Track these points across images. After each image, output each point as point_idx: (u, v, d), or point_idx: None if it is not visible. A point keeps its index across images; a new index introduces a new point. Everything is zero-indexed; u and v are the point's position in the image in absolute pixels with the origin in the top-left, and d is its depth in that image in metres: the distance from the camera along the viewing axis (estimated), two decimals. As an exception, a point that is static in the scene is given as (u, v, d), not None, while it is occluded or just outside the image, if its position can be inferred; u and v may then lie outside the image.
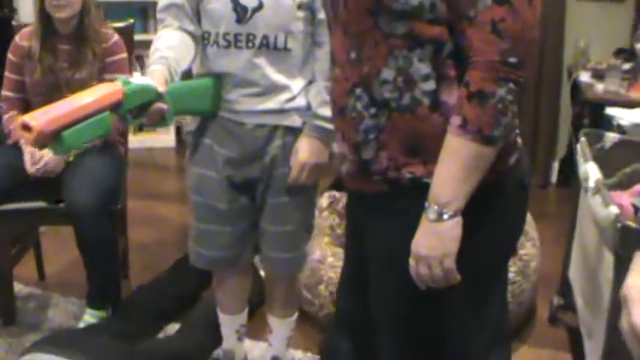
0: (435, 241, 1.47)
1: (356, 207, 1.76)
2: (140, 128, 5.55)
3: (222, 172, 2.19)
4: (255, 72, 2.08)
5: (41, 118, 1.60)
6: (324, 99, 2.08)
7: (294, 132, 2.16)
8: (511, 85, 1.40)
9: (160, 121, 1.91)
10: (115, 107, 1.75)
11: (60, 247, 3.59)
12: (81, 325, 2.90)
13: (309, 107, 2.15)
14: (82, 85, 2.57)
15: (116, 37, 2.92)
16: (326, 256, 3.02)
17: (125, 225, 3.28)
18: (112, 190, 2.84)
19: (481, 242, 1.54)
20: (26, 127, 1.59)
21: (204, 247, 2.30)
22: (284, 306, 2.51)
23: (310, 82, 2.16)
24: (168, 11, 2.11)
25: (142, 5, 5.33)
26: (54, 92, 2.77)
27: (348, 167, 1.63)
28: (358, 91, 1.54)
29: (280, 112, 2.13)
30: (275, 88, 2.11)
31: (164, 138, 5.62)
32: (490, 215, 1.55)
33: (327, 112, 2.07)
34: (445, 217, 1.45)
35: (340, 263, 2.93)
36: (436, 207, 1.45)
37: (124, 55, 2.93)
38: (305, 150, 2.13)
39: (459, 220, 1.46)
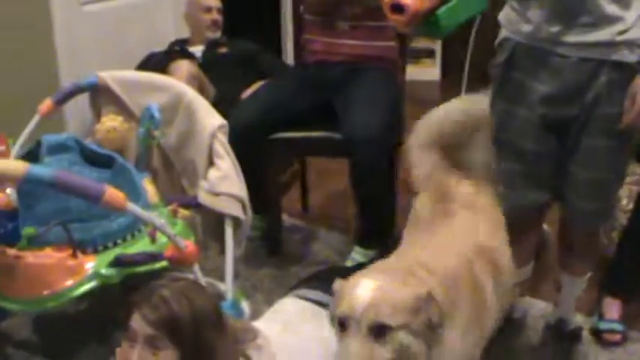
0: None
1: None
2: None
3: (535, 109, 1.98)
4: (588, 1, 1.84)
5: None
6: None
7: (623, 68, 1.89)
8: None
9: None
10: None
11: (322, 180, 3.52)
12: (349, 263, 2.76)
13: None
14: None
15: None
16: (620, 200, 2.72)
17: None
18: (393, 122, 2.66)
19: None
20: (397, 9, 1.47)
21: (510, 189, 2.09)
22: (580, 262, 2.26)
23: None
24: None
25: None
26: (333, 10, 2.70)
27: None
28: None
29: (610, 44, 1.87)
30: (607, 19, 1.85)
31: (430, 71, 5.36)
32: None
33: None
34: None
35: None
36: None
37: None
38: None
39: None
